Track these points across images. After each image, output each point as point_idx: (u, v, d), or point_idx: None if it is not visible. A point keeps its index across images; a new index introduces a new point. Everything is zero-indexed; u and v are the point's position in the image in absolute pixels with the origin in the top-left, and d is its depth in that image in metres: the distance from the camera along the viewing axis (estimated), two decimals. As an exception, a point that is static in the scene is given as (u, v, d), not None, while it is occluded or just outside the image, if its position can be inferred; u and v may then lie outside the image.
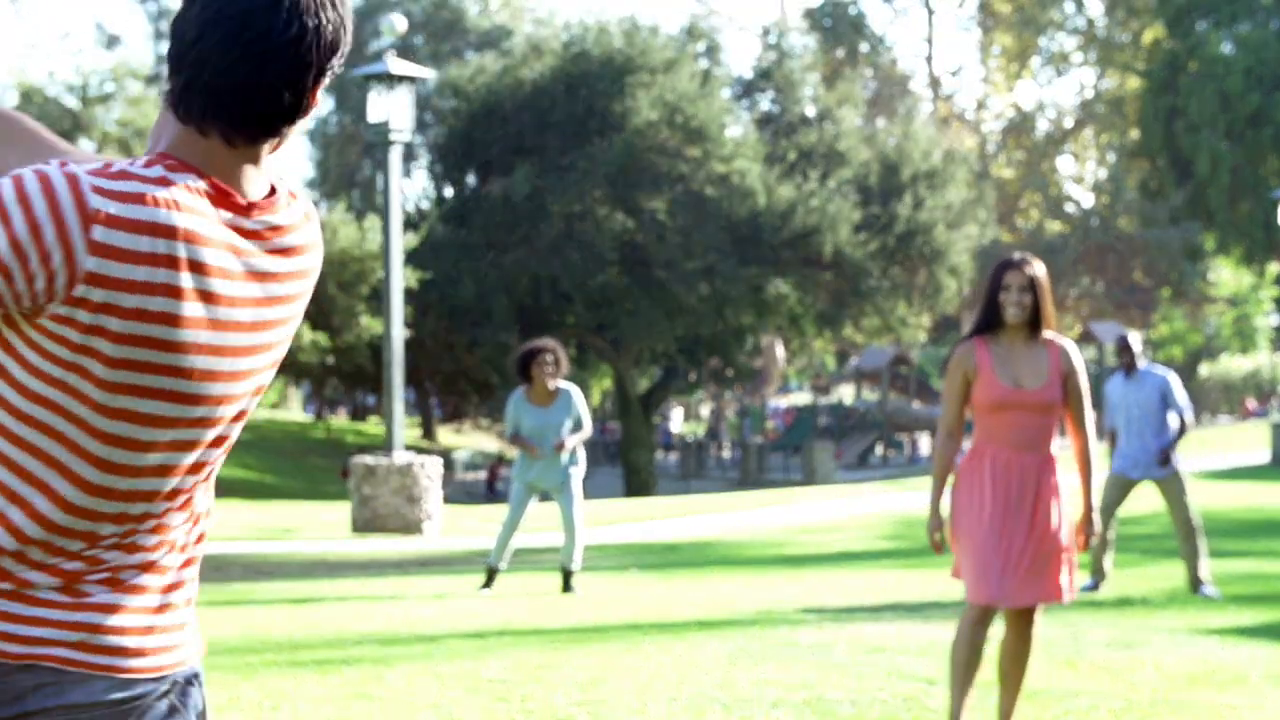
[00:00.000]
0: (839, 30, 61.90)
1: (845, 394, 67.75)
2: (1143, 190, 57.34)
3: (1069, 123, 64.81)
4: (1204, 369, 56.82)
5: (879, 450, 49.36)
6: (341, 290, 30.16)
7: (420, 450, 29.26)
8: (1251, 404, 54.30)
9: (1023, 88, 69.25)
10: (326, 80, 2.05)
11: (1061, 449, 5.82)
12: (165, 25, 54.41)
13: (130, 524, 2.05)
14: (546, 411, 10.84)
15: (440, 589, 11.77)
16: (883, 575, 12.30)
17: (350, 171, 49.14)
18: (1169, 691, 6.90)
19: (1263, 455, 30.43)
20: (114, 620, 2.04)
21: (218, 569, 14.13)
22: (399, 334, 18.76)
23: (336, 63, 2.03)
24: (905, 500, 22.35)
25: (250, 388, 2.11)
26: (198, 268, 1.96)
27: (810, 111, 42.97)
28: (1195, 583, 10.83)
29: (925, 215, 39.03)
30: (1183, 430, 10.93)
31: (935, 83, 66.64)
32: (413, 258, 29.56)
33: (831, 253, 37.23)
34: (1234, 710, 6.54)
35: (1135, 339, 11.20)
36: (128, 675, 2.04)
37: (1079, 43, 62.94)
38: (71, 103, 29.82)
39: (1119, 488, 11.03)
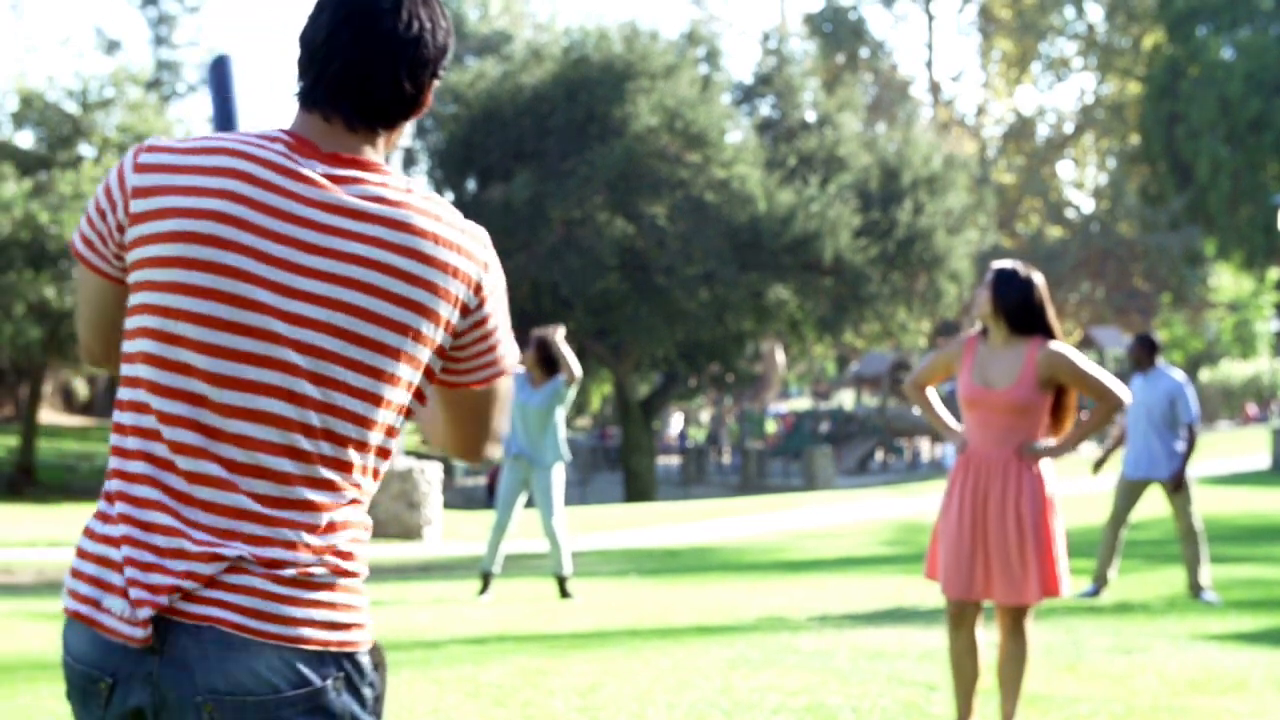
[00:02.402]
0: (839, 35, 61.93)
1: (845, 399, 67.76)
2: (1143, 195, 57.36)
3: (1069, 128, 64.81)
4: (1204, 374, 56.76)
5: (879, 456, 49.34)
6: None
7: (420, 456, 29.28)
8: (1252, 409, 54.26)
9: (1023, 93, 69.34)
10: (437, 81, 2.31)
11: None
12: (165, 30, 54.45)
13: None
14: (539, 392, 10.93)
15: (440, 594, 11.75)
16: (883, 581, 12.28)
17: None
18: (1170, 697, 6.88)
19: (1263, 460, 30.42)
20: None
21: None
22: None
23: (445, 64, 2.30)
24: (905, 505, 22.32)
25: (315, 340, 2.15)
26: (242, 200, 2.16)
27: (810, 117, 42.98)
28: (1195, 588, 10.81)
29: (925, 221, 39.03)
30: (1191, 444, 10.84)
31: (935, 88, 66.65)
32: (413, 263, 29.50)
33: (832, 258, 37.22)
34: (1234, 715, 6.53)
35: (1154, 338, 11.06)
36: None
37: (1079, 48, 62.95)
38: (71, 108, 29.82)
39: (1126, 494, 10.95)
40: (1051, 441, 5.76)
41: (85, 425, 50.68)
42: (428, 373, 2.27)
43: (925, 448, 50.86)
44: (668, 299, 36.81)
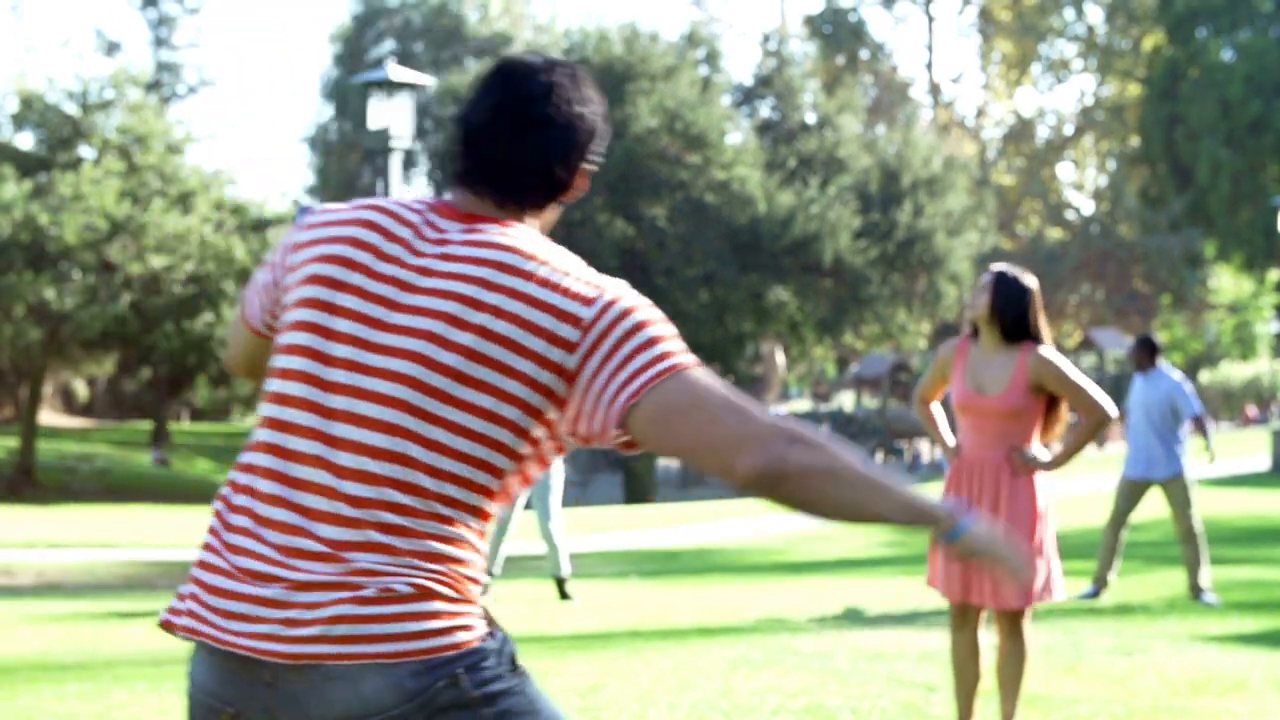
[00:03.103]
0: (839, 37, 61.95)
1: (845, 401, 67.74)
2: (1143, 197, 57.37)
3: (1069, 129, 64.83)
4: (1204, 376, 56.76)
5: (879, 457, 49.33)
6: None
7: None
8: (1252, 411, 54.25)
9: (1023, 94, 69.36)
10: (590, 165, 2.40)
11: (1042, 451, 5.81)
12: (165, 32, 54.47)
13: None
14: None
15: (440, 596, 11.74)
16: (883, 582, 12.28)
17: (350, 178, 49.16)
18: (1170, 698, 6.88)
19: (1263, 462, 30.41)
20: None
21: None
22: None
23: (599, 148, 2.41)
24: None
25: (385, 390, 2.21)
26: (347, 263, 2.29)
27: (810, 118, 42.99)
28: (1196, 589, 10.81)
29: (925, 222, 39.03)
30: (1203, 428, 10.93)
31: (935, 89, 66.67)
32: (413, 264, 29.53)
33: (831, 259, 37.23)
34: (1235, 716, 6.53)
35: (1155, 339, 11.07)
36: None
37: (1079, 49, 62.98)
38: (71, 109, 29.84)
39: (1127, 495, 10.92)
40: (1044, 456, 5.76)
41: (85, 426, 50.68)
42: (547, 422, 2.26)
43: (925, 449, 50.86)
44: (668, 300, 36.79)
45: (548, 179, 2.35)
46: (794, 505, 2.17)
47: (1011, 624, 5.79)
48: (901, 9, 67.06)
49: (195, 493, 32.39)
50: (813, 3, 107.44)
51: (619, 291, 2.26)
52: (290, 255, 2.38)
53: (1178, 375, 10.93)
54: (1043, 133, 65.28)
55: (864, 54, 63.77)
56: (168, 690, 6.92)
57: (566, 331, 2.21)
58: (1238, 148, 50.19)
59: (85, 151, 29.81)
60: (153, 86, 38.10)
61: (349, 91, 44.85)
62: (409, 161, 40.89)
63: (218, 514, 2.29)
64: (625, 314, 2.23)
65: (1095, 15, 62.04)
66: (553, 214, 2.42)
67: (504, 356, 2.20)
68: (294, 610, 2.14)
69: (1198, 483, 11.04)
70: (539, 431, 2.26)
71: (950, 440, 6.01)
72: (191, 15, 56.35)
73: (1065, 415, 5.84)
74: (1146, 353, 10.90)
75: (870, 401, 56.18)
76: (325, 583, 2.15)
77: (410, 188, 43.87)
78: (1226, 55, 50.65)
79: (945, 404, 6.20)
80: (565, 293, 2.23)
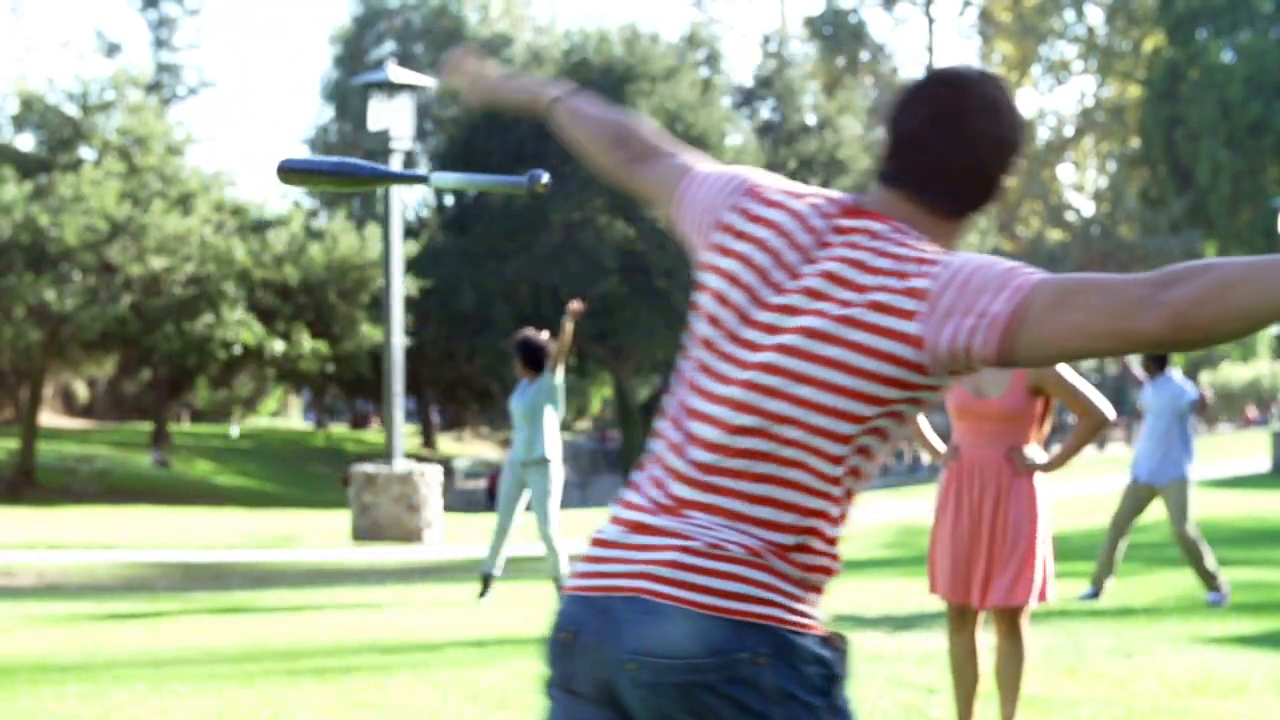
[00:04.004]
0: (839, 38, 61.94)
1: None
2: (1143, 198, 57.36)
3: (1070, 131, 64.84)
4: (1204, 377, 56.80)
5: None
6: (342, 298, 30.16)
7: (420, 458, 29.30)
8: (1252, 412, 54.29)
9: (1023, 96, 69.25)
10: (1009, 177, 2.48)
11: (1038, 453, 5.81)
12: (165, 33, 54.46)
13: None
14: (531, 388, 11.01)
15: (440, 597, 11.75)
16: (883, 584, 12.28)
17: (350, 179, 49.10)
18: (1170, 700, 6.88)
19: (1263, 463, 30.41)
20: None
21: (217, 577, 14.12)
22: (399, 342, 18.75)
23: (1017, 162, 2.48)
24: (905, 508, 22.32)
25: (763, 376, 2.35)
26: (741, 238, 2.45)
27: (811, 120, 42.99)
28: (1208, 579, 10.70)
29: (926, 223, 39.07)
30: (1203, 403, 10.96)
31: (936, 91, 66.62)
32: (413, 266, 29.58)
33: (832, 261, 37.23)
34: (1235, 718, 6.53)
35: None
36: None
37: (1079, 51, 62.98)
38: (72, 110, 29.83)
39: (1131, 498, 10.86)
40: (1042, 458, 5.77)
41: (85, 428, 50.69)
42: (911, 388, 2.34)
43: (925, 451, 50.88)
44: (668, 302, 36.80)
45: (983, 188, 2.45)
46: (1211, 337, 2.20)
47: (1010, 625, 5.80)
48: (902, 10, 67.02)
49: (195, 494, 32.40)
50: (813, 4, 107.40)
51: (952, 257, 2.35)
52: (716, 234, 2.49)
53: (1185, 382, 10.95)
54: (1043, 134, 65.27)
55: (864, 55, 63.76)
56: (168, 691, 6.92)
57: (914, 305, 2.30)
58: (1238, 149, 50.19)
59: (85, 153, 29.80)
60: (153, 88, 38.09)
61: (349, 93, 44.84)
62: (409, 163, 40.86)
63: None
64: (968, 261, 2.33)
65: (1095, 16, 62.05)
66: (971, 224, 2.52)
67: (864, 342, 2.30)
68: (634, 551, 2.35)
69: (1198, 484, 11.00)
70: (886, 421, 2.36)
71: (940, 446, 6.01)
72: (192, 16, 56.35)
73: (1051, 416, 5.86)
74: (1155, 359, 10.90)
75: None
76: (666, 529, 2.34)
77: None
78: (1227, 56, 50.65)
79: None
80: (913, 264, 2.33)
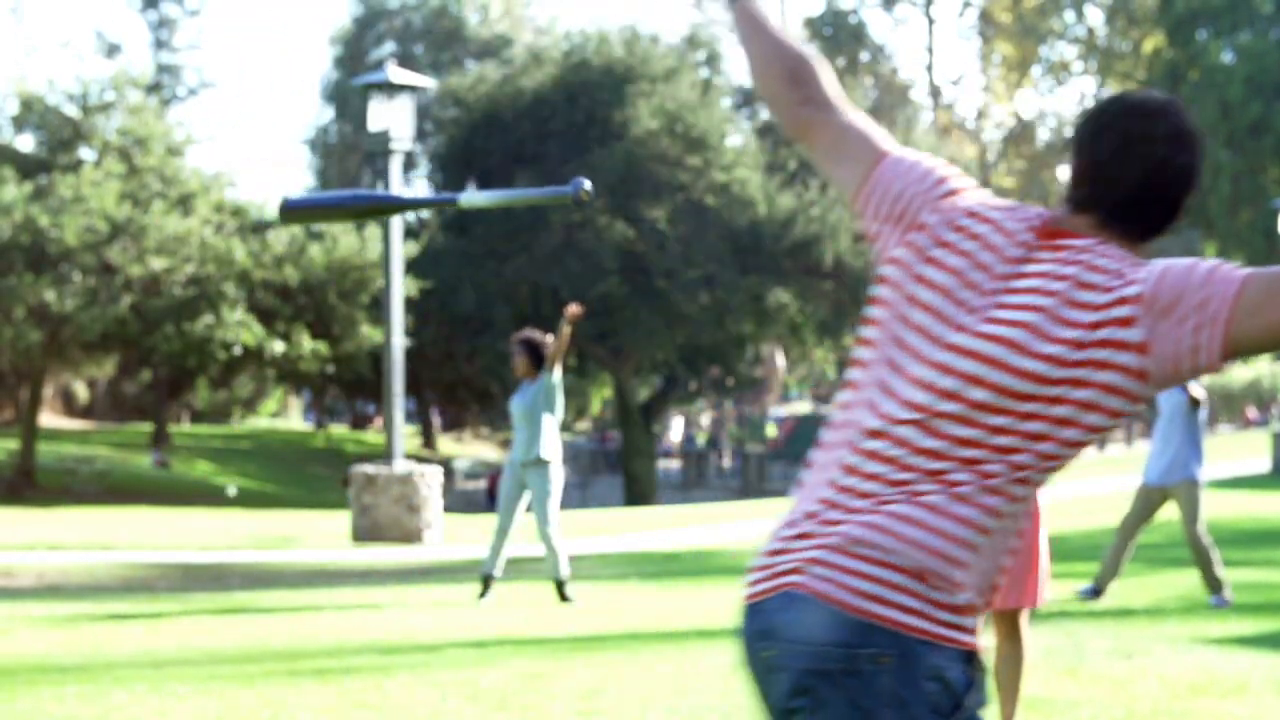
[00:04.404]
0: (839, 39, 61.94)
1: (846, 403, 67.62)
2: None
3: (1070, 132, 64.78)
4: (1204, 378, 56.74)
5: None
6: (342, 299, 30.14)
7: (420, 459, 29.27)
8: (1252, 413, 54.28)
9: (1023, 96, 69.25)
10: (1190, 200, 2.56)
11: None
12: (165, 34, 54.48)
13: None
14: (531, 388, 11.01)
15: (440, 598, 11.75)
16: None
17: (350, 180, 49.14)
18: (1170, 701, 6.88)
19: (1263, 464, 30.39)
20: None
21: (217, 578, 14.12)
22: (399, 343, 18.74)
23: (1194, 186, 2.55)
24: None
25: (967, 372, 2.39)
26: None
27: (811, 121, 42.94)
28: (1214, 584, 10.66)
29: (926, 224, 39.05)
30: (1193, 404, 10.92)
31: (936, 91, 66.67)
32: (413, 267, 29.56)
33: (832, 262, 37.22)
34: (1235, 719, 6.53)
35: None
36: None
37: (1079, 51, 62.97)
38: (72, 111, 29.82)
39: (1142, 500, 10.77)
40: None
41: (85, 428, 50.67)
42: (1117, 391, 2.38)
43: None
44: (668, 303, 36.79)
45: (1170, 213, 2.54)
46: None
47: (1010, 626, 5.79)
48: (902, 11, 67.10)
49: (195, 495, 32.38)
50: (813, 4, 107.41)
51: (1149, 267, 2.43)
52: (912, 233, 2.53)
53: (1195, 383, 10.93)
54: (1043, 135, 65.27)
55: (864, 56, 63.75)
56: (168, 692, 6.92)
57: (1120, 311, 2.36)
58: (1238, 149, 50.17)
59: (85, 153, 29.78)
60: (153, 88, 38.07)
61: (349, 93, 44.84)
62: (409, 163, 40.88)
63: None
64: (1172, 265, 2.41)
65: (1095, 17, 62.04)
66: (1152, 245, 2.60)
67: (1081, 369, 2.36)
68: (792, 543, 2.42)
69: (1205, 485, 10.97)
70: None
71: None
72: (192, 17, 56.40)
73: None
74: None
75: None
76: (823, 520, 2.39)
77: (409, 190, 43.90)
78: (1227, 57, 50.61)
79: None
80: (1116, 277, 2.40)
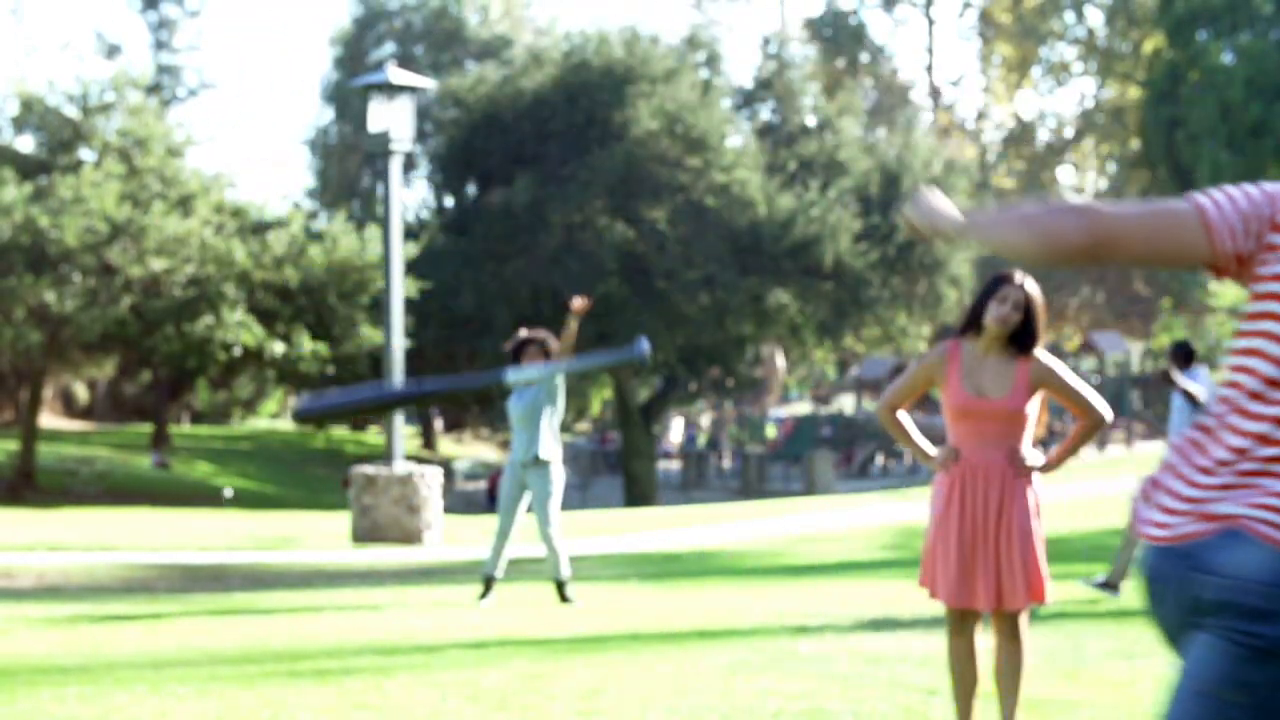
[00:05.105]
0: (839, 40, 61.96)
1: (846, 404, 67.72)
2: (1144, 200, 57.37)
3: (1069, 133, 64.84)
4: (1209, 377, 56.69)
5: (879, 460, 49.32)
6: (342, 300, 30.15)
7: (420, 460, 29.30)
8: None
9: (1023, 97, 69.31)
10: None
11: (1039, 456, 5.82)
12: (165, 35, 54.48)
13: None
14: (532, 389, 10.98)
15: (440, 599, 11.75)
16: (883, 586, 12.28)
17: (350, 181, 49.16)
18: (1171, 702, 6.86)
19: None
20: None
21: (217, 578, 14.12)
22: (399, 344, 18.75)
23: None
24: (906, 510, 22.32)
25: None
26: None
27: (811, 121, 42.99)
28: None
29: (926, 225, 39.03)
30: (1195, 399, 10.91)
31: (936, 92, 66.69)
32: (413, 268, 29.58)
33: (832, 262, 37.23)
34: None
35: (1190, 345, 11.10)
36: None
37: (1079, 52, 62.98)
38: (72, 112, 29.83)
39: None
40: (1039, 459, 5.78)
41: (85, 429, 50.68)
42: None
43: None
44: (668, 303, 36.80)
45: None
46: None
47: (1011, 627, 5.80)
48: (902, 12, 67.06)
49: (195, 495, 32.39)
50: (813, 5, 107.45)
51: None
52: (1274, 234, 2.66)
53: (1199, 380, 10.95)
54: (1043, 136, 65.29)
55: (864, 57, 63.78)
56: (168, 693, 6.92)
57: None
58: (1238, 151, 50.15)
59: (85, 154, 29.79)
60: (153, 89, 38.09)
61: (349, 94, 44.83)
62: (409, 164, 40.87)
63: None
64: None
65: (1095, 18, 62.05)
66: None
67: None
68: (1212, 491, 2.52)
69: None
70: None
71: (930, 448, 5.97)
72: (192, 18, 56.34)
73: (1044, 414, 5.88)
74: (1182, 359, 10.95)
75: (870, 404, 56.18)
76: (1241, 472, 2.51)
77: (409, 190, 43.89)
78: (1227, 58, 50.59)
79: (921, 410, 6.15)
80: None
